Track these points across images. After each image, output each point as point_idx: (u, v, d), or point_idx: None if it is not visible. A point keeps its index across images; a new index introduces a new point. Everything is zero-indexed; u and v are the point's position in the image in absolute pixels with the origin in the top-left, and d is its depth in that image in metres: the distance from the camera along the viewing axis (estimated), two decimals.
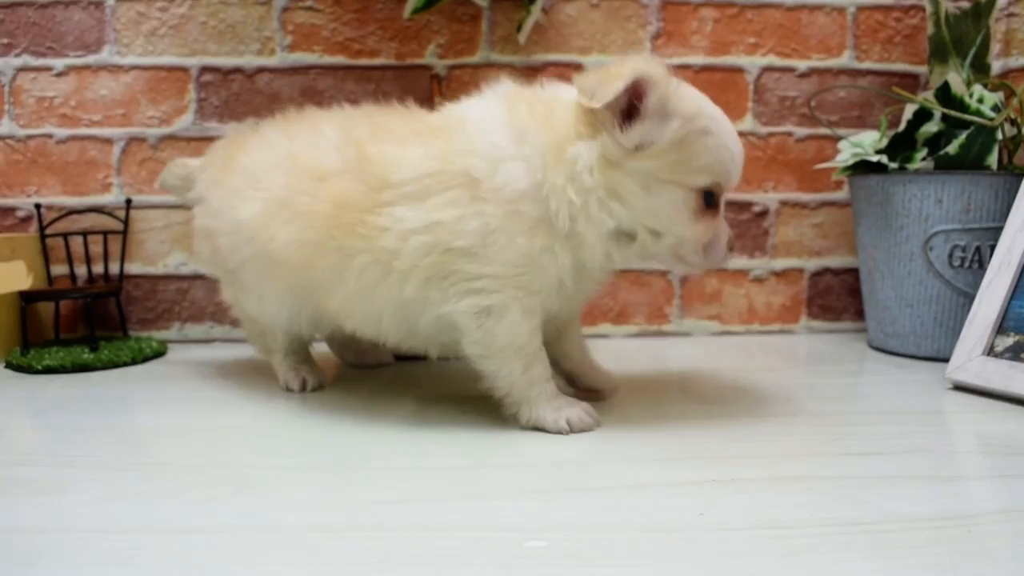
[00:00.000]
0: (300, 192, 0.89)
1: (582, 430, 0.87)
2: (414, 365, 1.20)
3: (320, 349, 1.25)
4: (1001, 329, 1.04)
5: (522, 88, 0.89)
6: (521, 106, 0.84)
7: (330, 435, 0.87)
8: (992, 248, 1.11)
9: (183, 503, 0.67)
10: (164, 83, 1.36)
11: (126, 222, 1.34)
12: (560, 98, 0.85)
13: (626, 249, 0.86)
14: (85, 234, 1.33)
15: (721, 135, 0.83)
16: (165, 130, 1.36)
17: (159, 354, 1.27)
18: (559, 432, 0.86)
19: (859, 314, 1.46)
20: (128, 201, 1.35)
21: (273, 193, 0.91)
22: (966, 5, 1.33)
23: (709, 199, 0.84)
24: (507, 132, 0.83)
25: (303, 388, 1.05)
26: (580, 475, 0.74)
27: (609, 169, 0.81)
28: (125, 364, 1.20)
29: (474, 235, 0.81)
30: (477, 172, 0.81)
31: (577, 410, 0.88)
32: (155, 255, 1.38)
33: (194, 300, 1.38)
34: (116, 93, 1.35)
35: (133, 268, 1.38)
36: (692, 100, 0.82)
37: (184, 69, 1.36)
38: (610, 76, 0.78)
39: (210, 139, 1.35)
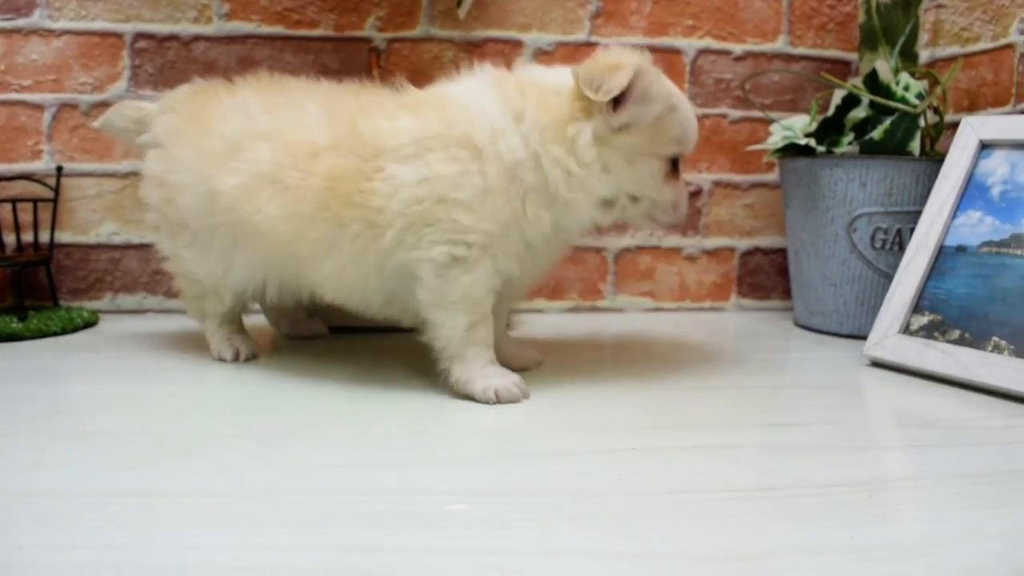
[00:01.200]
0: (290, 167, 0.91)
1: (509, 401, 0.90)
2: (349, 337, 1.21)
3: (252, 319, 1.25)
4: (917, 308, 1.08)
5: (505, 73, 0.96)
6: (512, 91, 0.92)
7: (262, 404, 0.88)
8: (912, 231, 1.16)
9: (111, 468, 0.68)
10: (97, 49, 1.33)
11: (57, 190, 1.32)
12: (547, 83, 0.93)
13: (607, 213, 0.95)
14: (14, 201, 1.30)
15: (685, 110, 0.95)
16: (98, 97, 1.33)
17: (90, 324, 1.26)
18: (486, 401, 0.89)
19: (787, 293, 1.50)
20: (59, 168, 1.33)
21: (258, 167, 0.93)
22: None
23: (674, 165, 0.96)
24: (503, 112, 0.90)
25: (236, 358, 1.05)
26: (506, 442, 0.76)
27: (600, 145, 0.90)
28: (55, 334, 1.18)
29: (474, 190, 0.87)
30: (478, 139, 0.88)
31: (506, 381, 0.90)
32: (87, 224, 1.36)
33: (127, 270, 1.36)
34: (47, 58, 1.33)
35: (64, 237, 1.35)
36: (664, 84, 0.93)
37: (118, 35, 1.33)
38: (610, 69, 0.87)
39: None
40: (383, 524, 0.58)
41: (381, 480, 0.66)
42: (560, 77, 0.92)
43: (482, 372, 0.91)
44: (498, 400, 0.89)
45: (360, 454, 0.72)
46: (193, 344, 1.12)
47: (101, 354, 1.09)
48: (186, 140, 1.00)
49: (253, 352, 1.06)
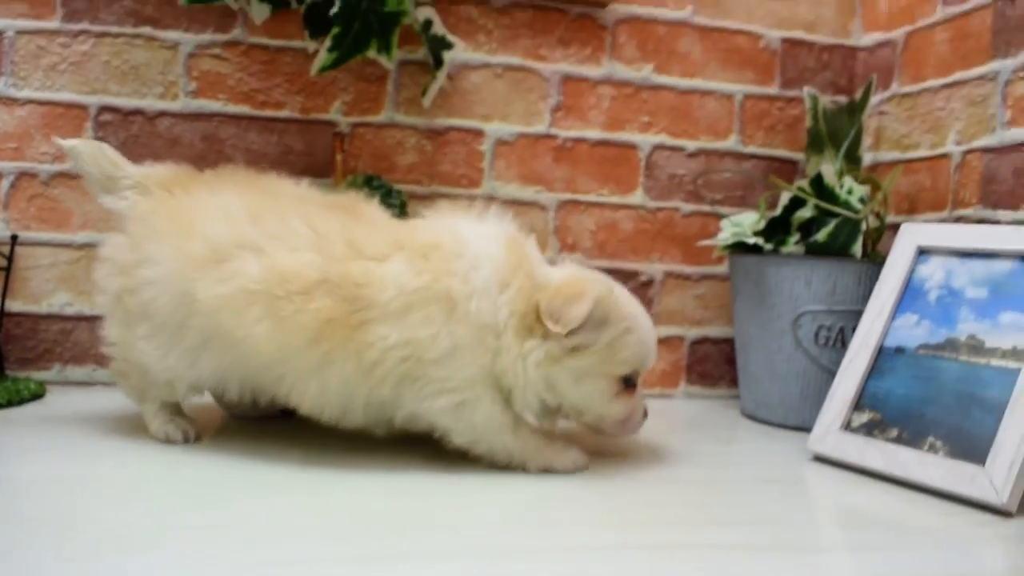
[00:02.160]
0: (283, 299, 0.92)
1: (583, 468, 1.00)
2: (298, 419, 1.20)
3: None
4: (858, 406, 1.12)
5: (520, 237, 1.01)
6: (514, 259, 0.97)
7: (212, 489, 0.87)
8: (854, 329, 1.20)
9: (52, 562, 0.66)
10: (61, 119, 1.34)
11: (10, 258, 1.31)
12: (542, 277, 0.98)
13: (552, 415, 1.02)
14: None
15: (640, 331, 0.99)
16: (58, 167, 1.33)
17: (37, 396, 1.24)
18: (567, 472, 0.99)
19: (734, 381, 1.53)
20: (14, 237, 1.32)
21: (244, 283, 0.93)
22: (843, 100, 1.44)
23: (628, 382, 0.99)
24: (492, 275, 0.95)
25: (186, 440, 1.03)
26: (446, 539, 0.76)
27: (550, 365, 0.95)
28: (0, 407, 1.16)
29: (443, 350, 0.92)
30: (456, 293, 0.93)
31: (575, 451, 1.01)
32: (39, 293, 1.34)
33: (77, 341, 1.35)
34: (9, 126, 1.33)
35: (15, 306, 1.34)
36: (622, 306, 0.98)
37: (83, 107, 1.34)
38: (570, 300, 0.93)
39: None
40: None
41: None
42: (558, 277, 0.98)
43: (550, 449, 1.00)
44: (576, 468, 1.00)
45: (315, 546, 0.72)
46: (141, 421, 1.11)
47: (47, 430, 1.06)
48: (163, 238, 0.97)
49: (198, 433, 1.05)
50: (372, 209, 1.04)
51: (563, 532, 0.79)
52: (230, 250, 0.94)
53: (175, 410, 1.06)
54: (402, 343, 0.92)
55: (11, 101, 1.33)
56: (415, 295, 0.92)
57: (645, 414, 1.03)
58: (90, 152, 1.05)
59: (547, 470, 0.99)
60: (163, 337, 0.99)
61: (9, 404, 1.17)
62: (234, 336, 0.94)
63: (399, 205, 1.28)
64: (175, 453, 1.00)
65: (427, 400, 0.95)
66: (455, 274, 0.94)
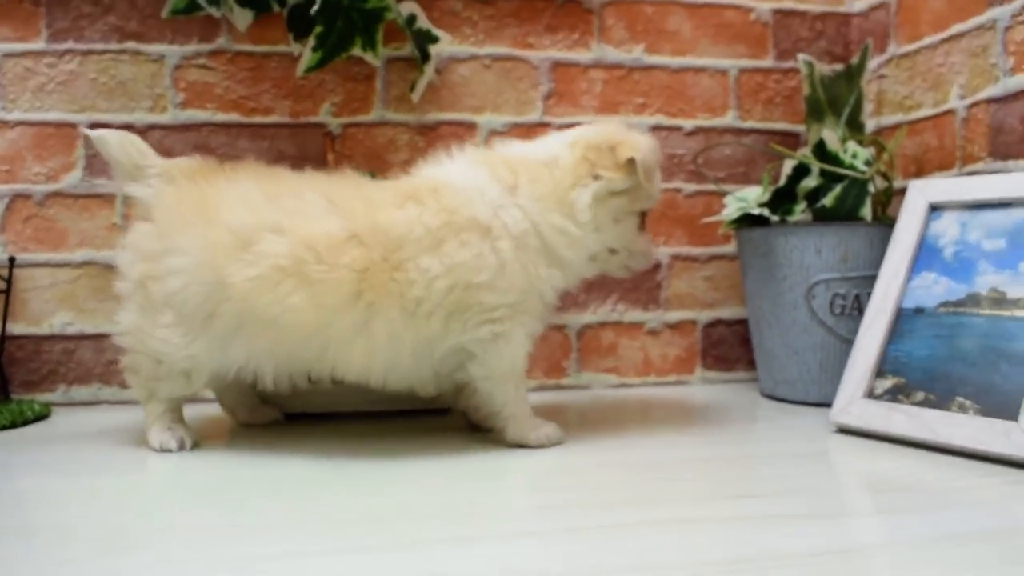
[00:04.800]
0: (312, 262, 0.94)
1: (556, 443, 1.03)
2: (303, 424, 1.18)
3: (198, 407, 1.22)
4: (880, 373, 1.08)
5: (487, 152, 1.06)
6: (500, 168, 1.02)
7: (213, 494, 0.85)
8: (869, 295, 1.17)
9: (55, 564, 0.64)
10: (51, 139, 1.33)
11: (9, 281, 1.30)
12: (531, 157, 1.04)
13: (592, 267, 1.07)
14: None
15: (658, 171, 1.07)
16: (52, 187, 1.32)
17: (42, 417, 1.22)
18: (540, 445, 1.02)
19: (751, 363, 1.50)
20: (12, 259, 1.30)
21: (274, 262, 0.95)
22: (840, 67, 1.41)
23: (642, 217, 1.08)
24: (498, 188, 1.00)
25: (181, 447, 1.01)
26: (462, 524, 0.74)
27: (596, 205, 1.02)
28: (4, 428, 1.14)
29: (492, 269, 0.97)
30: (483, 219, 0.98)
31: (551, 427, 1.04)
32: (40, 315, 1.33)
33: (80, 361, 1.33)
34: (1, 148, 1.32)
35: (16, 328, 1.32)
36: (649, 148, 1.04)
37: (72, 125, 1.33)
38: (616, 146, 1.02)
39: (99, 196, 1.33)
40: None
41: (335, 568, 0.63)
42: (539, 149, 1.05)
43: (530, 423, 1.03)
44: (549, 443, 1.02)
45: (319, 542, 0.69)
46: (145, 435, 1.09)
47: (50, 447, 1.05)
48: (191, 228, 0.98)
49: (195, 441, 1.03)
50: (369, 181, 1.08)
51: (585, 512, 0.77)
52: (254, 234, 0.96)
53: (175, 417, 1.05)
54: (446, 271, 0.96)
55: (1, 124, 1.32)
56: (442, 230, 0.97)
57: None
58: (118, 141, 1.05)
59: (520, 443, 1.02)
60: (189, 325, 0.98)
61: (13, 425, 1.16)
62: (270, 315, 0.95)
63: None
64: (179, 460, 0.98)
65: (471, 330, 0.99)
66: (471, 204, 0.98)
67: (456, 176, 1.02)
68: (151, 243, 1.00)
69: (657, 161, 1.06)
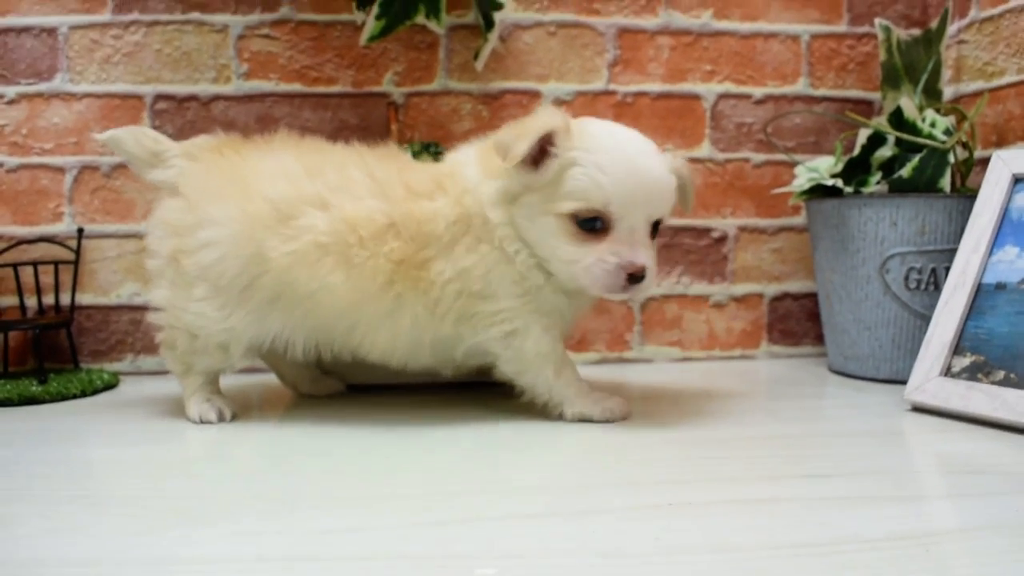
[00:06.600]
0: (356, 246, 0.94)
1: (622, 418, 1.00)
2: (365, 395, 1.18)
3: (260, 377, 1.23)
4: (958, 349, 1.04)
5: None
6: (487, 150, 0.95)
7: (280, 465, 0.86)
8: (947, 270, 1.12)
9: (126, 535, 0.65)
10: (118, 111, 1.34)
11: (78, 252, 1.32)
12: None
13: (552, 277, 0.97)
14: (35, 264, 1.30)
15: (594, 164, 0.90)
16: (118, 159, 1.33)
17: (110, 386, 1.24)
18: (605, 420, 0.99)
19: (819, 338, 1.46)
20: (80, 231, 1.33)
21: (315, 237, 0.94)
22: (918, 32, 1.36)
23: (587, 224, 0.91)
24: (475, 170, 0.97)
25: (220, 419, 1.02)
26: (534, 501, 0.73)
27: (507, 203, 0.94)
28: (75, 397, 1.17)
29: (481, 279, 0.95)
30: (470, 210, 0.95)
31: (614, 401, 1.00)
32: (108, 285, 1.35)
33: (148, 331, 1.35)
34: (68, 121, 1.33)
35: (85, 299, 1.35)
36: (578, 138, 0.91)
37: (138, 97, 1.34)
38: (520, 134, 0.90)
39: None
40: None
41: (404, 544, 0.63)
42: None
43: (590, 398, 1.00)
44: (615, 416, 0.99)
45: (382, 517, 0.69)
46: None
47: (120, 416, 1.06)
48: (224, 199, 0.97)
49: (234, 412, 1.04)
50: (408, 156, 1.07)
51: (645, 490, 0.75)
52: (295, 207, 0.95)
53: (213, 389, 1.05)
54: (455, 276, 0.95)
55: (69, 96, 1.34)
56: (455, 226, 0.95)
57: (639, 276, 0.91)
58: (130, 135, 1.05)
59: (583, 419, 0.99)
60: (226, 298, 0.98)
61: (83, 394, 1.18)
62: (308, 289, 0.96)
63: None
64: (242, 430, 0.98)
65: (482, 332, 0.97)
66: (465, 193, 0.95)
67: (454, 162, 1.01)
68: (182, 217, 0.99)
69: (565, 155, 0.90)
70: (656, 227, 0.96)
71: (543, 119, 0.91)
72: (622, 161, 0.91)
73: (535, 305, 0.97)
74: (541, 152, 0.91)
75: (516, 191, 0.93)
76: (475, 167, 0.97)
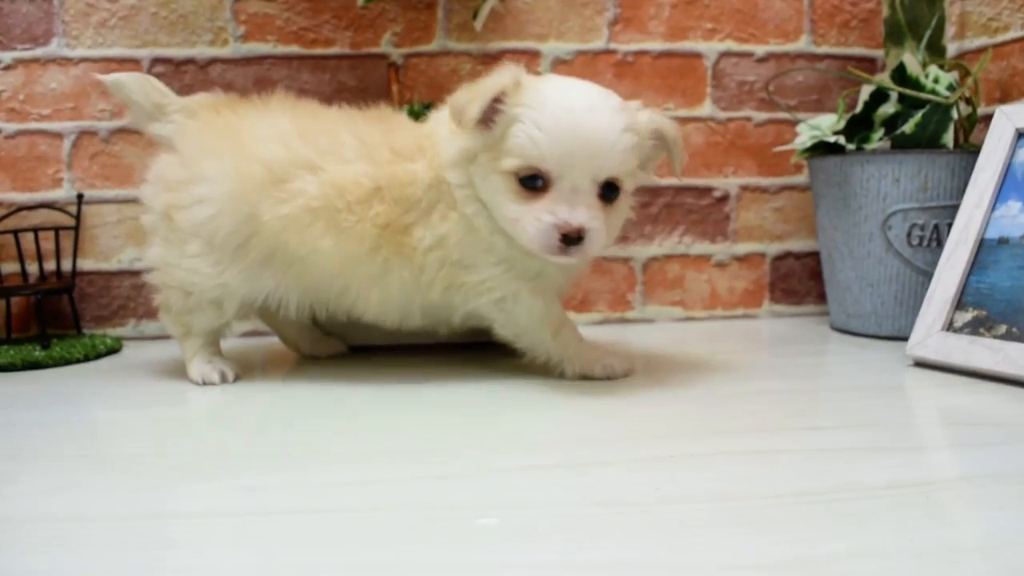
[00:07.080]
0: (344, 211, 0.94)
1: (625, 374, 1.01)
2: (368, 356, 1.18)
3: (263, 340, 1.23)
4: (960, 304, 1.04)
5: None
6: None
7: (282, 424, 0.86)
8: (950, 226, 1.12)
9: (129, 491, 0.65)
10: None
11: (78, 217, 1.32)
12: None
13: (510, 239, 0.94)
14: (36, 230, 1.30)
15: (535, 123, 0.86)
16: (116, 123, 1.33)
17: (113, 351, 1.24)
18: (606, 377, 0.99)
19: (821, 297, 1.46)
20: (80, 196, 1.32)
21: (306, 202, 0.94)
22: None
23: (529, 182, 0.88)
24: (445, 129, 0.94)
25: (223, 380, 1.02)
26: (535, 454, 0.73)
27: (466, 163, 0.93)
28: (78, 361, 1.17)
29: (457, 248, 0.94)
30: (439, 171, 0.93)
31: (616, 358, 1.01)
32: (109, 251, 1.35)
33: (149, 296, 1.34)
34: (65, 86, 1.33)
35: (86, 264, 1.35)
36: (522, 96, 0.88)
37: (135, 60, 1.33)
38: (472, 97, 0.87)
39: None
40: (408, 541, 0.55)
41: (407, 496, 0.63)
42: None
43: (593, 356, 1.00)
44: (617, 373, 1.00)
45: (383, 471, 0.69)
46: None
47: (122, 379, 1.07)
48: (218, 156, 0.97)
49: (236, 374, 1.04)
50: (401, 117, 1.04)
51: (646, 443, 0.75)
52: (288, 170, 0.95)
53: (214, 351, 1.06)
54: (435, 243, 0.95)
55: (66, 61, 1.33)
56: (431, 191, 0.94)
57: (573, 236, 0.86)
58: (136, 82, 1.04)
59: (585, 376, 1.00)
60: (220, 254, 0.98)
61: (86, 359, 1.18)
62: (299, 253, 0.96)
63: None
64: (244, 390, 0.99)
65: (473, 300, 0.98)
66: (436, 155, 0.94)
67: (430, 121, 0.99)
68: (175, 172, 1.00)
69: (511, 112, 0.87)
70: (613, 188, 0.89)
71: (495, 79, 0.88)
72: (562, 117, 0.86)
73: (516, 272, 0.96)
74: (493, 111, 0.88)
75: (475, 150, 0.91)
76: (446, 126, 0.94)
